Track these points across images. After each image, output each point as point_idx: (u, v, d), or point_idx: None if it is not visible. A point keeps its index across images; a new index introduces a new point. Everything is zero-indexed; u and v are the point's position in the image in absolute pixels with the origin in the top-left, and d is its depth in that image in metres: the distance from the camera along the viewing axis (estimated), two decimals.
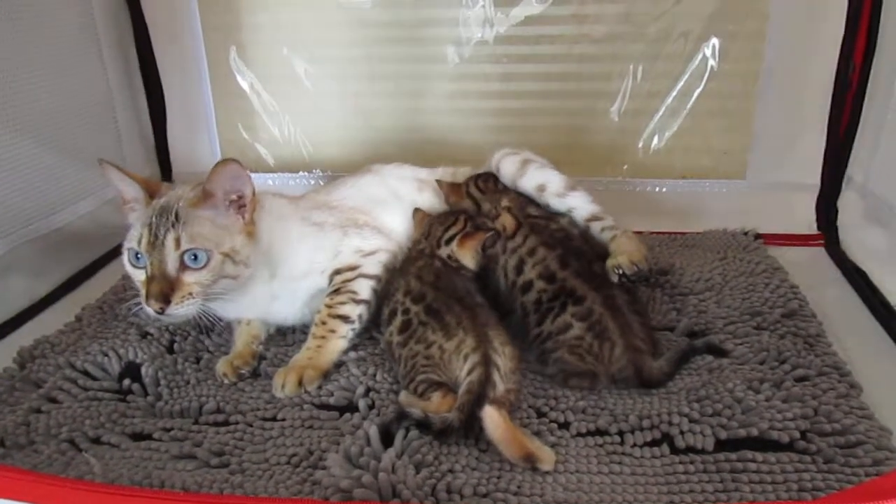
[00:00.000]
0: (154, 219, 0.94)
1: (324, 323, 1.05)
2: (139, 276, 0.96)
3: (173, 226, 0.94)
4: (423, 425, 0.87)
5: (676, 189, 1.56)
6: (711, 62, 1.46)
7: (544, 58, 1.53)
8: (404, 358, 0.97)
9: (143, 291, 0.94)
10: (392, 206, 1.24)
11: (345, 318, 1.06)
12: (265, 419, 0.95)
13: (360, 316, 1.08)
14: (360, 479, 0.77)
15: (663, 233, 1.50)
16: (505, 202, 1.17)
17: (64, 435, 0.93)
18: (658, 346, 1.02)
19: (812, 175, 1.46)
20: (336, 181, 1.30)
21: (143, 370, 1.05)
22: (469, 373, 0.90)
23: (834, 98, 1.38)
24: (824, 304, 1.18)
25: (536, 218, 1.15)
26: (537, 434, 0.90)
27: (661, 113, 1.52)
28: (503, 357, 0.93)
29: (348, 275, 1.09)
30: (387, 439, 0.87)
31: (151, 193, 0.99)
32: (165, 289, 0.92)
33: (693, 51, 1.46)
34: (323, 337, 1.04)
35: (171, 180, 1.72)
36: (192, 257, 0.94)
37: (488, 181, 1.22)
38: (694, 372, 1.01)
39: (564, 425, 0.92)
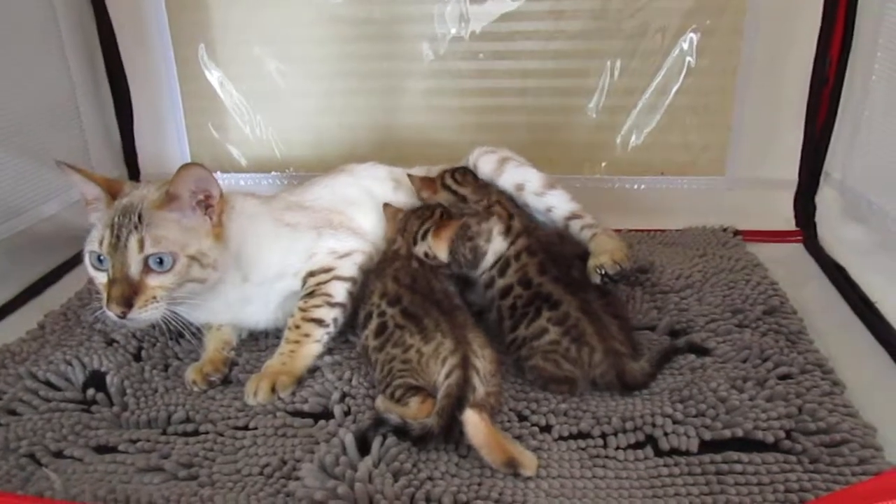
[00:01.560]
0: (116, 220, 0.90)
1: (297, 327, 1.02)
2: (101, 278, 0.92)
3: (136, 227, 0.90)
4: (401, 432, 0.84)
5: (655, 186, 1.55)
6: (689, 58, 1.45)
7: (520, 54, 1.51)
8: (381, 362, 0.94)
9: (104, 295, 0.90)
10: (367, 206, 1.21)
11: (319, 322, 1.03)
12: (237, 428, 0.92)
13: (335, 319, 1.04)
14: (335, 490, 0.74)
15: (642, 230, 1.48)
16: (495, 197, 1.14)
17: (23, 449, 0.88)
18: (638, 347, 1.00)
19: (790, 171, 1.46)
20: (309, 181, 1.26)
21: (108, 379, 1.01)
22: (448, 376, 0.87)
23: (811, 94, 1.38)
24: (804, 301, 1.17)
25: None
26: (518, 438, 0.87)
27: (638, 109, 1.50)
28: (483, 360, 0.90)
29: (322, 277, 1.05)
30: (363, 447, 0.84)
31: (113, 193, 0.95)
32: (127, 292, 0.89)
33: (670, 46, 1.45)
34: (297, 341, 1.01)
35: (139, 180, 1.66)
36: (158, 261, 0.90)
37: (466, 174, 1.19)
38: (677, 371, 1.00)
39: (546, 429, 0.89)
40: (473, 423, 0.82)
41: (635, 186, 1.54)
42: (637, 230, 1.47)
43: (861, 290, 1.20)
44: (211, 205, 0.96)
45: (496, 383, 0.91)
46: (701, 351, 1.03)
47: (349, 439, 0.83)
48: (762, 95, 1.43)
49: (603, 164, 1.55)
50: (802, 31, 1.36)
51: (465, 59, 1.52)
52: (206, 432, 0.91)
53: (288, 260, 1.05)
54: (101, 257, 0.91)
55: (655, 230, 1.49)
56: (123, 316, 0.89)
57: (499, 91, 1.55)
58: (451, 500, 0.76)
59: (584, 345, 0.94)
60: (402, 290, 1.00)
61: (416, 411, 0.87)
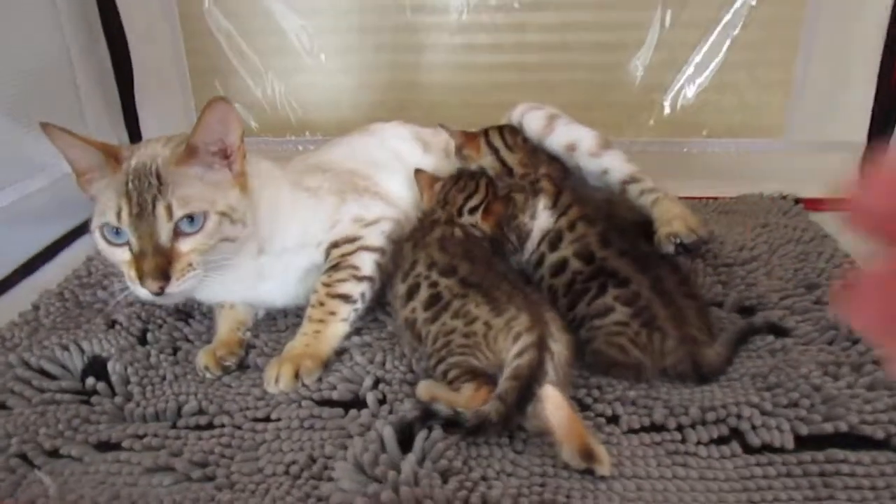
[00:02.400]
0: (131, 185, 0.78)
1: (322, 304, 0.90)
2: (120, 255, 0.80)
3: (159, 191, 0.78)
4: (452, 423, 0.73)
5: (707, 149, 1.41)
6: (749, 5, 1.30)
7: (561, 5, 1.37)
8: (434, 333, 0.82)
9: (130, 273, 0.78)
10: (394, 169, 1.08)
11: (346, 298, 0.91)
12: (256, 420, 0.80)
13: (362, 295, 0.92)
14: (378, 496, 0.63)
15: (694, 198, 1.34)
16: (543, 169, 1.01)
17: (14, 448, 0.77)
18: (715, 331, 0.88)
19: (857, 133, 1.32)
20: (329, 142, 1.14)
21: (109, 366, 0.89)
22: (519, 355, 0.74)
23: (885, 48, 1.24)
24: None
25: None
26: None
27: (690, 65, 1.37)
28: (560, 344, 0.77)
29: (347, 248, 0.93)
30: (404, 441, 0.72)
31: (115, 158, 0.81)
32: (162, 264, 0.77)
33: None
34: (321, 320, 0.89)
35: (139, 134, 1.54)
36: (188, 222, 0.79)
37: (515, 135, 1.06)
38: (754, 354, 0.87)
39: (613, 419, 0.77)
40: (555, 400, 0.70)
41: (684, 150, 1.41)
42: (688, 197, 1.34)
43: None
44: (230, 153, 0.83)
45: (568, 374, 0.79)
46: (780, 331, 0.91)
47: (388, 433, 0.71)
48: (829, 48, 1.30)
49: (650, 125, 1.41)
50: None
51: (499, 11, 1.38)
52: (222, 425, 0.79)
53: (309, 229, 0.93)
54: (119, 230, 0.78)
55: (708, 198, 1.36)
56: (161, 292, 0.77)
57: (535, 46, 1.41)
58: None
59: (655, 330, 0.82)
60: (457, 259, 0.87)
61: (469, 399, 0.75)
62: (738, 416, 0.75)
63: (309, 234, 0.92)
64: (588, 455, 0.69)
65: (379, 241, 0.95)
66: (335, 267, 0.92)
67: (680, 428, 0.75)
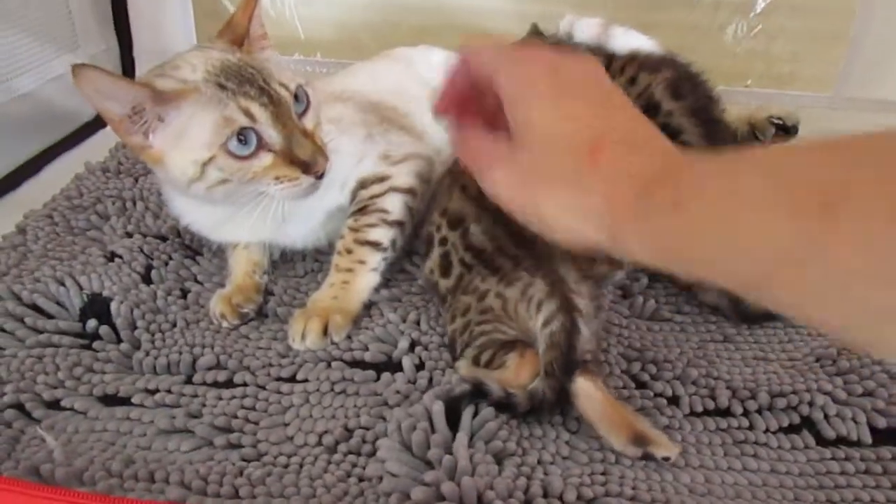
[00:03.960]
0: (233, 84, 0.67)
1: (349, 252, 0.81)
2: (259, 163, 0.69)
3: (265, 75, 0.69)
4: (504, 406, 0.66)
5: (742, 100, 1.30)
6: None
7: None
8: (453, 310, 0.75)
9: (283, 171, 0.69)
10: (424, 100, 0.97)
11: (376, 245, 0.82)
12: (281, 379, 0.73)
13: (393, 242, 0.84)
14: (438, 487, 0.56)
15: None
16: None
17: (9, 397, 0.69)
18: None
19: None
20: (349, 68, 1.02)
21: (112, 307, 0.80)
22: (547, 323, 0.67)
23: None
24: None
25: None
26: (640, 411, 0.70)
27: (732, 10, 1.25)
28: (582, 297, 0.70)
29: (376, 188, 0.84)
30: (449, 416, 0.65)
31: (150, 88, 0.67)
32: (315, 140, 0.71)
33: None
34: (349, 270, 0.81)
35: (131, 57, 1.39)
36: (296, 100, 0.72)
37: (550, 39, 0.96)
38: (814, 331, 0.82)
39: (673, 400, 0.71)
40: (587, 392, 0.64)
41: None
42: None
43: None
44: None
45: (598, 326, 0.72)
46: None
47: (438, 410, 0.64)
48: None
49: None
50: None
51: None
52: (244, 384, 0.72)
53: (337, 165, 0.82)
54: (246, 138, 0.67)
55: None
56: (325, 171, 0.71)
57: None
58: (574, 496, 0.59)
59: None
60: (468, 205, 0.77)
61: (517, 371, 0.68)
62: (811, 404, 0.69)
63: (335, 172, 0.82)
64: (640, 439, 0.63)
65: (410, 181, 0.85)
66: (363, 210, 0.83)
67: (746, 413, 0.70)
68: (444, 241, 0.78)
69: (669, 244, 0.40)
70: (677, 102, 0.78)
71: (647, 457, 0.64)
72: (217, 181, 0.69)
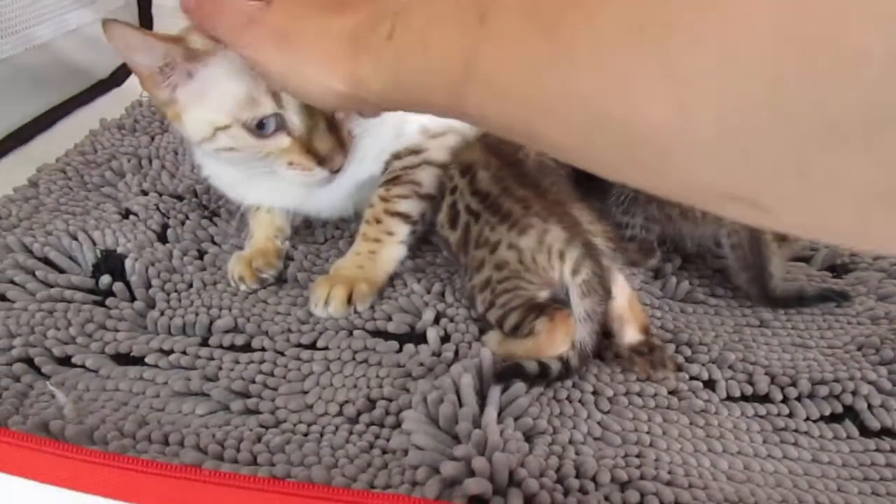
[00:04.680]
0: None
1: (378, 221, 0.78)
2: (276, 144, 0.66)
3: None
4: (542, 376, 0.63)
5: None
6: None
7: None
8: (468, 266, 0.72)
9: (299, 158, 0.66)
10: None
11: (406, 217, 0.78)
12: (301, 346, 0.70)
13: (422, 215, 0.80)
14: (469, 461, 0.53)
15: None
16: None
17: (17, 350, 0.66)
18: None
19: None
20: None
21: (127, 264, 0.77)
22: (576, 272, 0.64)
23: None
24: None
25: None
26: (675, 393, 0.67)
27: None
28: (601, 238, 0.67)
29: (411, 160, 0.80)
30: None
31: (185, 46, 0.64)
32: (338, 135, 0.66)
33: None
34: (377, 240, 0.77)
35: (150, 12, 1.36)
36: None
37: None
38: (854, 319, 0.78)
39: (709, 384, 0.68)
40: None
41: None
42: None
43: None
44: None
45: (615, 257, 0.69)
46: (841, 296, 0.81)
47: (467, 383, 0.61)
48: None
49: None
50: None
51: None
52: (262, 349, 0.69)
53: (376, 137, 0.79)
54: (266, 120, 0.64)
55: None
56: (341, 168, 0.67)
57: None
58: (608, 478, 0.56)
59: None
60: (479, 152, 0.75)
61: (550, 337, 0.65)
62: (854, 393, 0.66)
63: (371, 144, 0.78)
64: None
65: (444, 155, 0.81)
66: (395, 180, 0.79)
67: (786, 400, 0.67)
68: (454, 190, 0.75)
69: (390, 68, 0.43)
70: None
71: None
72: (226, 147, 0.66)
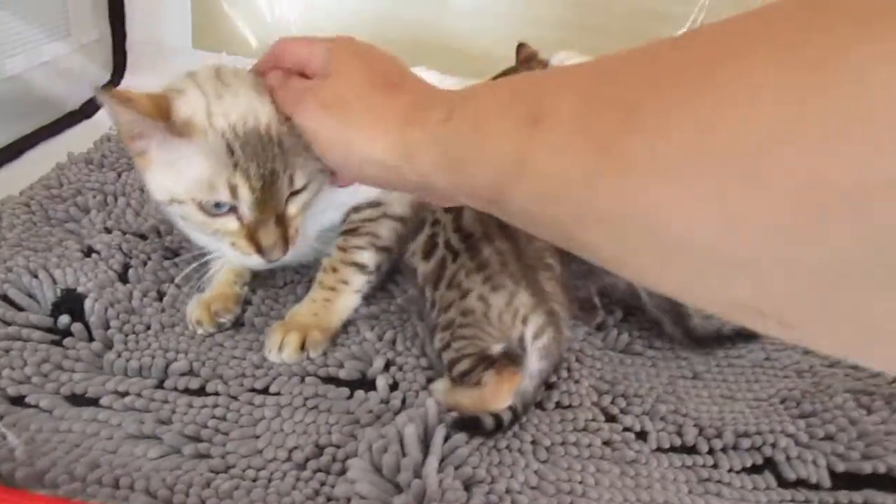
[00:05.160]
0: (242, 154, 0.62)
1: (335, 270, 0.81)
2: (223, 224, 0.66)
3: (285, 162, 0.64)
4: (475, 427, 0.67)
5: None
6: None
7: None
8: (438, 305, 0.75)
9: (240, 242, 0.66)
10: None
11: (362, 268, 0.82)
12: (254, 391, 0.72)
13: (378, 266, 0.83)
14: None
15: None
16: None
17: None
18: None
19: None
20: None
21: (87, 304, 0.79)
22: (537, 336, 0.70)
23: None
24: None
25: None
26: (608, 444, 0.71)
27: None
28: (563, 307, 0.74)
29: (370, 213, 0.83)
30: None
31: (166, 114, 0.63)
32: (282, 232, 0.66)
33: None
34: (333, 288, 0.80)
35: (123, 49, 1.38)
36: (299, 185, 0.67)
37: (539, 65, 0.97)
38: (780, 373, 0.84)
39: (642, 435, 0.72)
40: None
41: None
42: None
43: None
44: None
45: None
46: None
47: (411, 433, 0.64)
48: None
49: None
50: None
51: None
52: (216, 393, 0.71)
53: (333, 190, 0.82)
54: (221, 203, 0.65)
55: None
56: (278, 260, 0.67)
57: (571, 3, 1.29)
58: None
59: None
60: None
61: (495, 390, 0.69)
62: (774, 446, 0.71)
63: (333, 195, 0.82)
64: None
65: (403, 209, 0.85)
66: (354, 231, 0.82)
67: (712, 451, 0.71)
68: (435, 223, 0.78)
69: (443, 148, 0.45)
70: None
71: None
72: (178, 215, 0.68)
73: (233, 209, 0.65)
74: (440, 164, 0.45)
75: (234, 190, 0.63)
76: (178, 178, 0.64)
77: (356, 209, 0.83)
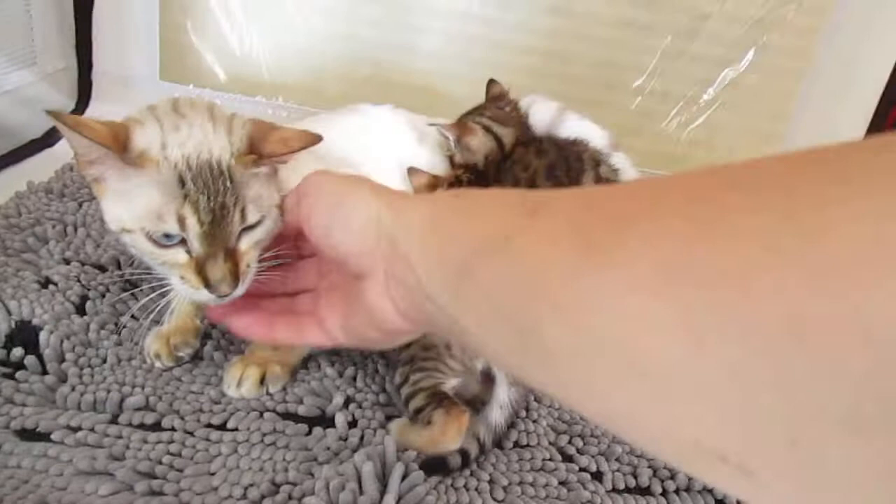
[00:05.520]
0: (193, 186, 0.62)
1: None
2: (172, 257, 0.66)
3: (236, 197, 0.64)
4: (435, 467, 0.67)
5: None
6: (755, 49, 1.29)
7: (574, 13, 1.30)
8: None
9: (188, 275, 0.65)
10: (387, 160, 1.00)
11: None
12: (211, 426, 0.72)
13: None
14: None
15: None
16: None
17: None
18: None
19: None
20: (317, 118, 1.04)
21: (42, 337, 0.78)
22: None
23: (876, 114, 1.26)
24: None
25: None
26: (564, 484, 0.72)
27: (686, 100, 1.34)
28: None
29: None
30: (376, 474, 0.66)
31: (124, 144, 0.63)
32: (232, 268, 0.65)
33: (740, 35, 1.28)
34: None
35: (89, 79, 1.38)
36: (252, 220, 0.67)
37: (508, 104, 1.01)
38: None
39: (597, 476, 0.74)
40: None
41: None
42: None
43: None
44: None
45: None
46: None
47: (368, 471, 0.64)
48: (826, 104, 1.30)
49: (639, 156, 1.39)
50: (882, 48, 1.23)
51: (508, 9, 1.31)
52: (172, 428, 0.70)
53: None
54: (170, 235, 0.65)
55: None
56: (227, 295, 0.66)
57: (536, 50, 1.34)
58: None
59: None
60: None
61: (443, 429, 0.69)
62: None
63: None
64: None
65: None
66: None
67: (665, 493, 0.72)
68: None
69: (433, 220, 0.44)
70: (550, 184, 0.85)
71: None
72: (130, 246, 0.67)
73: (182, 241, 0.65)
74: (428, 222, 0.44)
75: (182, 221, 0.63)
76: (129, 206, 0.64)
77: None
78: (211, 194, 0.62)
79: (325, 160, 0.91)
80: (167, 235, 0.63)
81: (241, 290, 0.65)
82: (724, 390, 0.27)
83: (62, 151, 1.22)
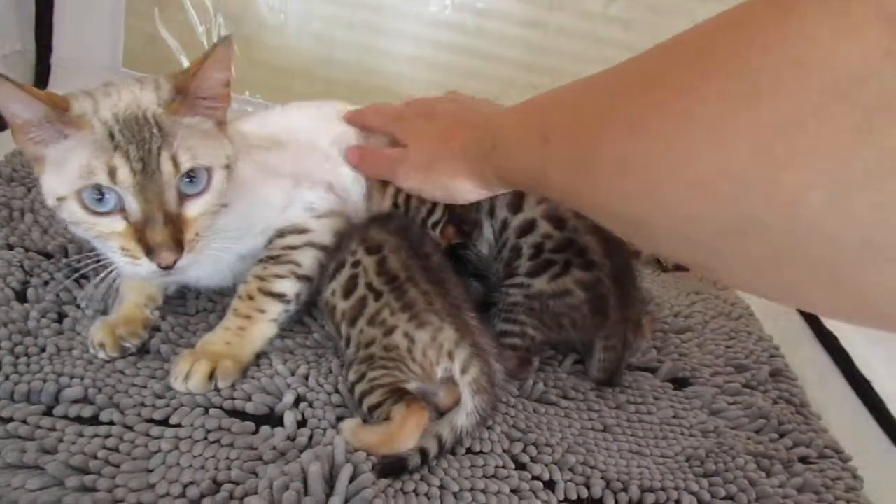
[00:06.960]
0: (122, 137, 0.62)
1: (251, 298, 0.79)
2: (108, 225, 0.64)
3: (164, 141, 0.63)
4: (390, 468, 0.65)
5: None
6: None
7: (550, 26, 1.30)
8: (355, 343, 0.75)
9: (129, 244, 0.63)
10: (323, 139, 0.97)
11: (280, 297, 0.80)
12: (152, 421, 0.68)
13: (297, 295, 0.82)
14: None
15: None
16: None
17: None
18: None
19: None
20: (287, 107, 1.01)
21: None
22: (465, 371, 0.70)
23: None
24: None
25: None
26: (516, 493, 0.70)
27: None
28: (485, 339, 0.75)
29: (294, 240, 0.82)
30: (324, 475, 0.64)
31: (63, 109, 0.63)
32: (174, 231, 0.63)
33: None
34: (248, 317, 0.78)
35: (48, 63, 1.33)
36: (189, 182, 0.66)
37: None
38: (687, 431, 0.86)
39: (549, 485, 0.72)
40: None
41: None
42: None
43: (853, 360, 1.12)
44: (219, 98, 0.69)
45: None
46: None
47: (315, 472, 0.62)
48: None
49: None
50: None
51: (485, 16, 1.30)
52: (110, 422, 0.67)
53: (262, 213, 0.81)
54: (105, 197, 0.63)
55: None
56: (173, 265, 0.63)
57: (513, 63, 1.34)
58: None
59: (600, 313, 0.84)
60: (388, 235, 0.80)
61: (402, 423, 0.68)
62: (678, 503, 0.72)
63: (259, 218, 0.80)
64: None
65: (327, 238, 0.84)
66: (274, 259, 0.81)
67: None
68: (356, 265, 0.78)
69: (504, 169, 0.66)
70: (580, 220, 0.83)
71: None
72: (69, 221, 0.66)
73: (120, 210, 0.63)
74: (501, 178, 0.68)
75: (112, 172, 0.61)
76: (64, 171, 0.63)
77: (280, 234, 0.82)
78: (140, 143, 0.62)
79: (289, 150, 0.89)
80: (100, 199, 0.62)
81: (187, 260, 0.63)
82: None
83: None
